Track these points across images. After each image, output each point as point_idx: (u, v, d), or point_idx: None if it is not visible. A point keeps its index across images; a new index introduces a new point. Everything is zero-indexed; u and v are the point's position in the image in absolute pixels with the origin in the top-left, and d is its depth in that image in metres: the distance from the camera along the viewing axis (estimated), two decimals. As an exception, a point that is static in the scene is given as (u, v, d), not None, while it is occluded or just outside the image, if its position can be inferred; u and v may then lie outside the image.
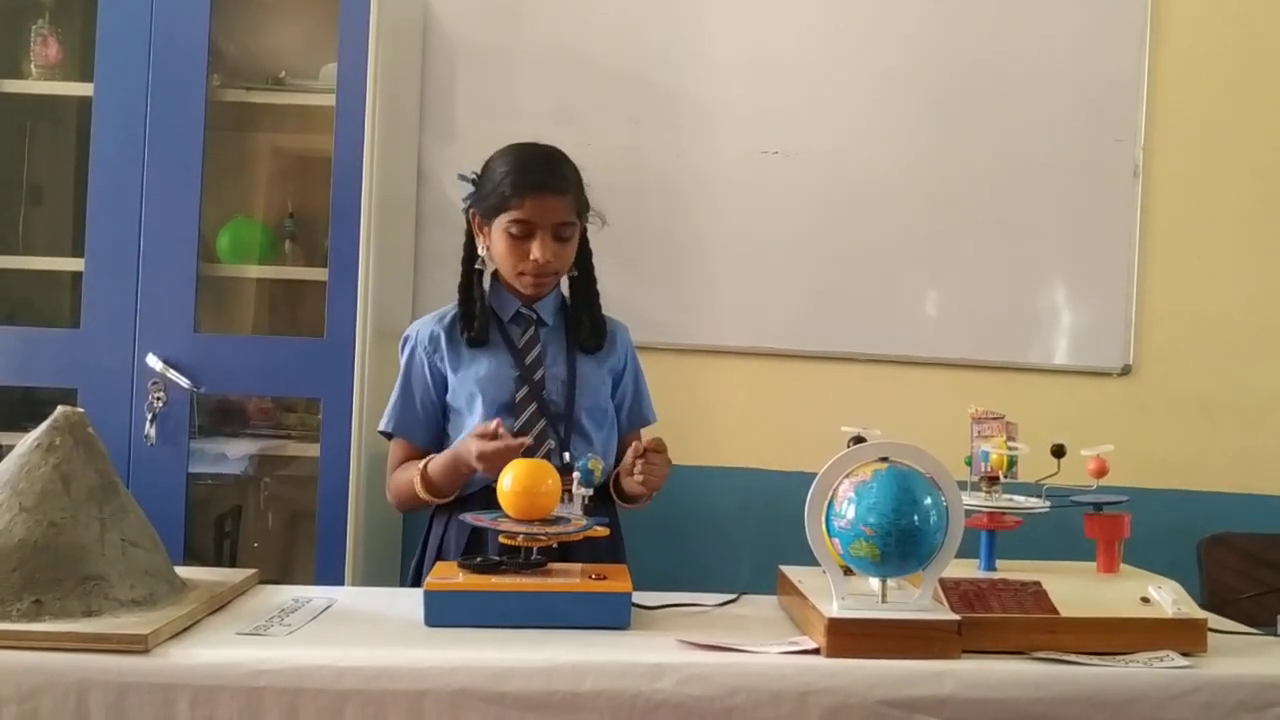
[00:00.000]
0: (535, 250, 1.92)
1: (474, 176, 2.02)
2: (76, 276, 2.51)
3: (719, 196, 2.92)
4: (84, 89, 2.53)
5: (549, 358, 1.99)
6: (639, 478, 1.85)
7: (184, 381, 2.45)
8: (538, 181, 1.91)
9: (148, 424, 2.44)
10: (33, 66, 2.62)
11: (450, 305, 2.06)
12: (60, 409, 1.50)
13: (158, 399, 2.45)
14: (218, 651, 1.35)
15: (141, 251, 2.47)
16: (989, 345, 2.93)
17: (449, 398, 2.01)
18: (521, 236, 1.92)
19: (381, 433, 2.07)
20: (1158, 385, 2.94)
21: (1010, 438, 1.66)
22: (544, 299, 2.02)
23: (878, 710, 1.34)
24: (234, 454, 2.67)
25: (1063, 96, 2.93)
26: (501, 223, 1.93)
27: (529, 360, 1.98)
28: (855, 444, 1.53)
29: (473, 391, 1.97)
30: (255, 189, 2.89)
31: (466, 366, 1.99)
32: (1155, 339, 2.94)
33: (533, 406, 1.94)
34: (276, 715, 1.30)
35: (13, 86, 2.63)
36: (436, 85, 2.91)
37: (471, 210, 2.01)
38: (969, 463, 1.67)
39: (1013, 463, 1.64)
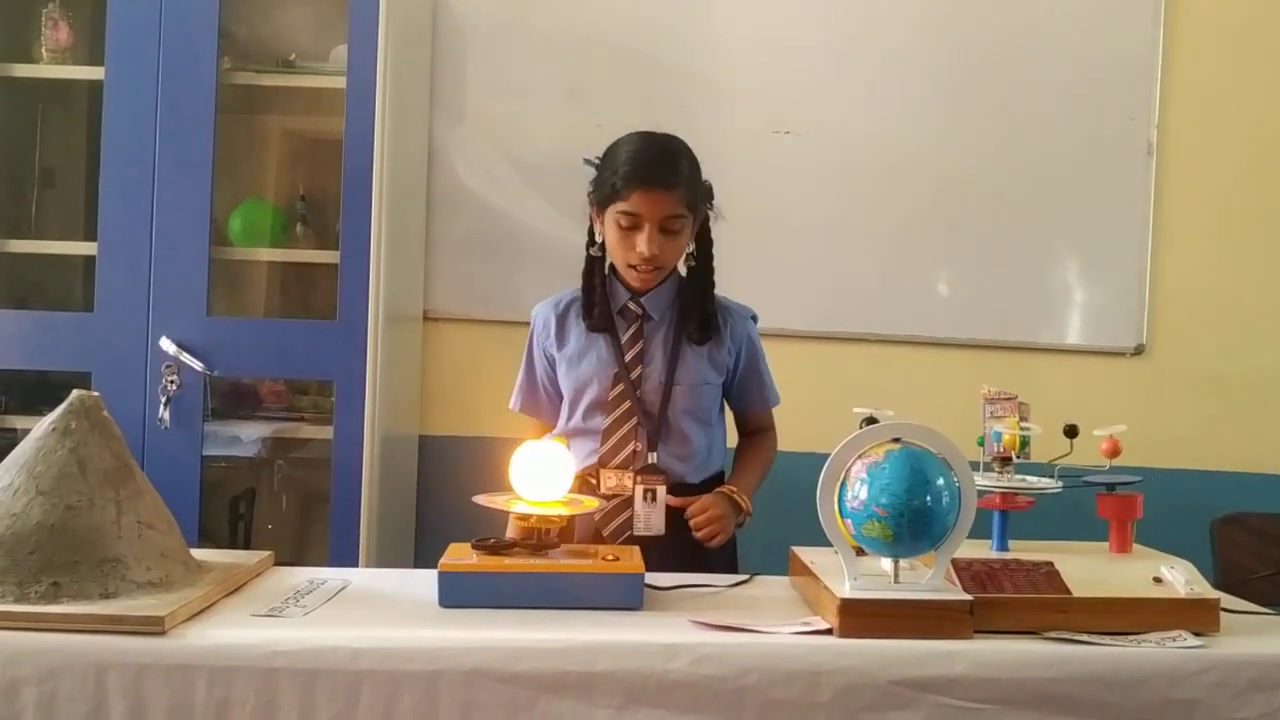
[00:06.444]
0: (641, 244, 1.89)
1: (597, 161, 1.98)
2: (89, 260, 2.52)
3: (730, 176, 2.84)
4: (95, 73, 2.53)
5: (650, 355, 1.97)
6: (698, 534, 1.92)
7: (197, 365, 2.46)
8: (647, 176, 1.88)
9: (162, 407, 2.46)
10: (44, 50, 2.62)
11: (567, 290, 2.05)
12: (76, 392, 1.50)
13: (171, 382, 2.46)
14: (234, 633, 1.36)
15: (154, 235, 2.47)
16: (1002, 325, 2.92)
17: (560, 381, 2.03)
18: (629, 228, 1.90)
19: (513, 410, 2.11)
20: (1171, 365, 2.93)
21: (1023, 418, 1.65)
22: (654, 292, 1.99)
23: (890, 690, 1.34)
24: (247, 436, 2.68)
25: (1076, 75, 2.91)
26: (612, 213, 1.92)
27: (629, 357, 1.97)
28: (868, 424, 1.53)
29: (575, 381, 1.99)
30: (266, 172, 2.89)
31: (573, 354, 2.00)
32: (1168, 319, 2.93)
33: (625, 405, 1.94)
34: (292, 696, 1.31)
35: (24, 71, 2.64)
36: (447, 66, 2.90)
37: (589, 197, 1.99)
38: (981, 443, 1.67)
39: (1025, 443, 1.64)
